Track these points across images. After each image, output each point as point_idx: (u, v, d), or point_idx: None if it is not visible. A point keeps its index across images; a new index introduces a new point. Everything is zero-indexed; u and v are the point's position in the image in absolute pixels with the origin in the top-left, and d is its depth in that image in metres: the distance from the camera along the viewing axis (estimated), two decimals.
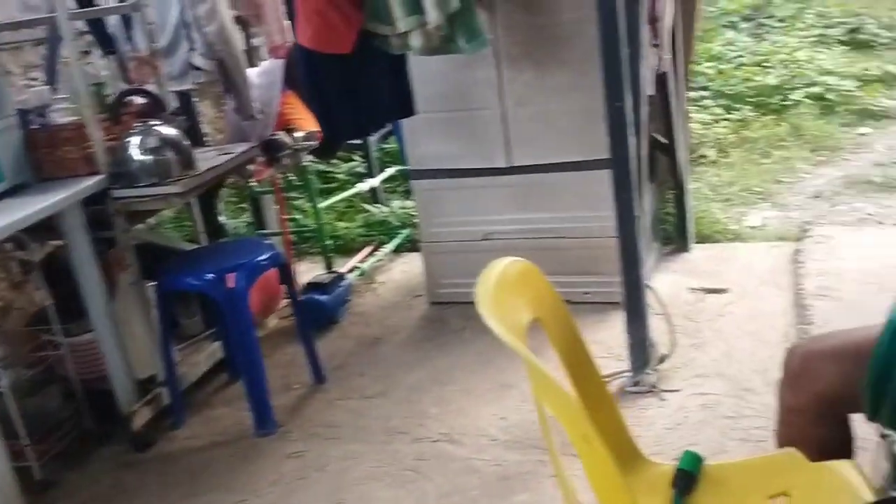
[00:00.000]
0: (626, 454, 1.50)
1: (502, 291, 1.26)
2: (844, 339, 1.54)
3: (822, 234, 3.70)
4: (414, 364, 3.14)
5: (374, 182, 4.46)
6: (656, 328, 2.93)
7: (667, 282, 3.57)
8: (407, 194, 4.47)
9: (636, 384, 2.78)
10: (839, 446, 1.55)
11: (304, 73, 2.91)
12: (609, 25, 2.42)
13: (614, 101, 2.49)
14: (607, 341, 3.11)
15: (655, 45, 3.09)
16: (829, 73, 6.03)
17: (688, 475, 1.47)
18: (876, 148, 5.00)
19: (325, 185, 4.86)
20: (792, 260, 3.56)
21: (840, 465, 1.44)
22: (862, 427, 1.52)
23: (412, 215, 4.19)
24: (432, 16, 2.54)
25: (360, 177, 4.72)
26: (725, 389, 2.71)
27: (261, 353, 2.87)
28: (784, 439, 1.60)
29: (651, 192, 3.65)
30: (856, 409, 1.49)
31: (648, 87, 3.08)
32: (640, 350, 2.79)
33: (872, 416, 1.29)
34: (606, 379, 2.82)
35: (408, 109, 3.14)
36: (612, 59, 2.46)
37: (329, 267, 3.85)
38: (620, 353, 2.89)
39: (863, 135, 5.24)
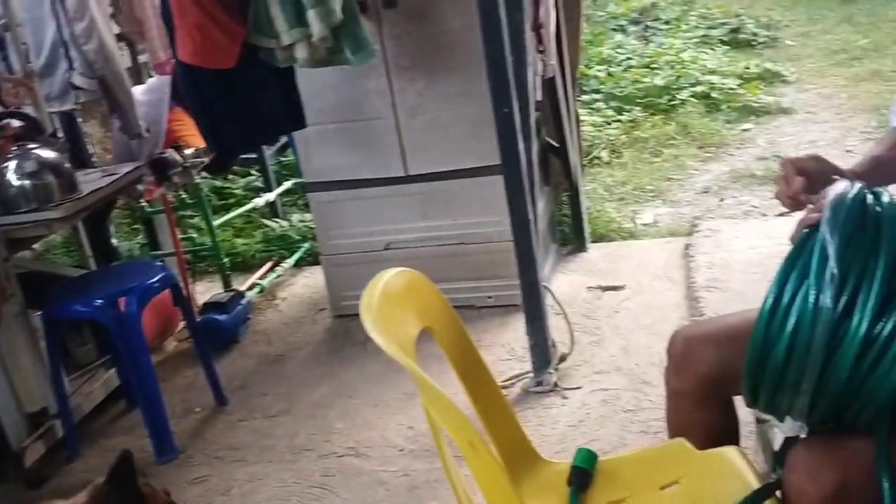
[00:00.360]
0: (521, 456, 1.52)
1: (388, 303, 1.26)
2: (723, 323, 1.62)
3: (710, 228, 3.85)
4: (318, 379, 3.11)
5: (271, 196, 4.39)
6: (556, 328, 2.99)
7: (565, 282, 3.64)
8: (307, 207, 4.42)
9: (539, 384, 2.82)
10: (726, 429, 1.62)
11: (187, 88, 2.85)
12: (492, 33, 2.46)
13: (502, 108, 2.53)
14: (511, 343, 3.16)
15: (541, 52, 3.15)
16: (713, 72, 6.28)
17: (582, 472, 1.50)
18: (758, 143, 5.23)
19: (222, 202, 4.77)
20: (683, 254, 3.68)
21: (726, 452, 1.49)
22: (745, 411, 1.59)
23: (312, 228, 4.14)
24: (316, 28, 2.52)
25: (258, 191, 4.63)
26: (624, 384, 2.78)
27: (157, 378, 2.78)
28: (673, 425, 1.66)
29: (546, 195, 3.73)
30: (738, 392, 1.56)
31: (536, 93, 3.14)
32: (541, 350, 2.84)
33: (751, 403, 1.34)
34: (509, 381, 2.87)
35: (298, 122, 3.11)
36: (496, 66, 2.49)
37: (227, 285, 3.76)
38: (523, 355, 2.94)
39: (746, 130, 5.47)
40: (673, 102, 5.89)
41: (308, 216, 4.35)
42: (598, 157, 5.25)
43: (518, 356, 3.04)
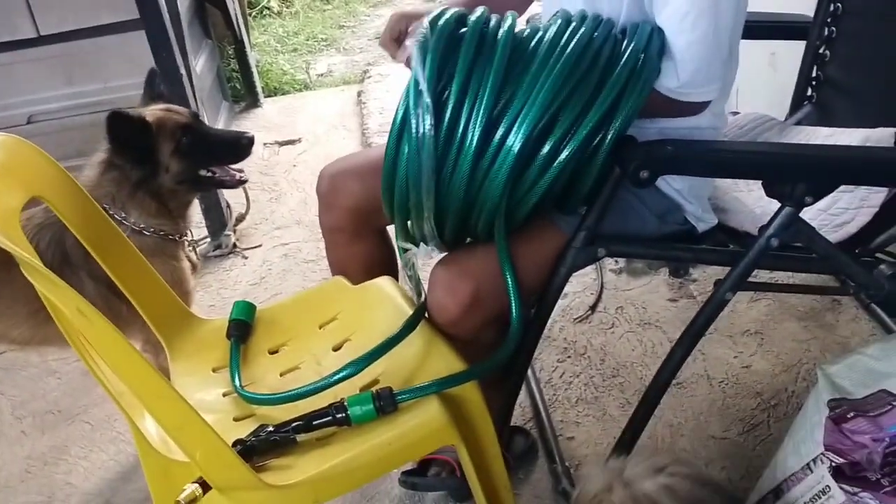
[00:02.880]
0: (175, 318, 1.45)
1: None
2: (365, 157, 1.67)
3: (380, 73, 3.88)
4: None
5: None
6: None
7: None
8: None
9: (217, 248, 2.74)
10: (382, 260, 1.68)
11: None
12: None
13: None
14: None
15: None
16: None
17: (241, 324, 1.48)
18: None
19: None
20: (357, 102, 3.69)
21: (379, 282, 1.54)
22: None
23: None
24: None
25: None
26: (304, 236, 2.79)
27: None
28: (333, 263, 1.70)
29: (209, 48, 3.50)
30: (384, 221, 1.61)
31: None
32: (215, 214, 2.74)
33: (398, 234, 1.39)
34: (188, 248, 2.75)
35: None
36: None
37: None
38: (199, 221, 2.82)
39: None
40: None
41: None
42: (267, 8, 5.03)
43: (195, 223, 2.91)
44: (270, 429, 1.18)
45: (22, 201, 1.17)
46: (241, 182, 1.95)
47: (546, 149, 1.21)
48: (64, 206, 1.26)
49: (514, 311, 1.30)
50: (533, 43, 1.25)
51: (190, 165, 1.79)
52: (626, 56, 1.23)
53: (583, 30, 1.24)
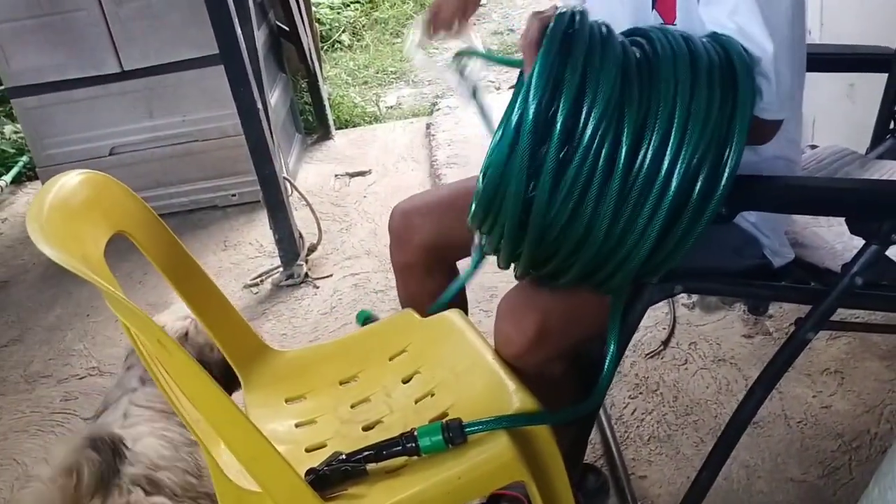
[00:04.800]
0: (248, 349, 1.48)
1: (66, 210, 1.14)
2: (437, 194, 1.72)
3: (448, 106, 3.91)
4: (51, 301, 2.87)
5: None
6: (305, 219, 2.95)
7: (313, 171, 3.59)
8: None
9: (289, 277, 2.79)
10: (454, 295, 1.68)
11: None
12: None
13: None
14: (259, 240, 3.09)
15: None
16: None
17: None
18: (493, 18, 5.33)
19: None
20: (426, 134, 3.73)
21: (449, 314, 1.54)
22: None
23: None
24: None
25: None
26: (374, 266, 2.82)
27: None
28: (405, 300, 1.69)
29: (283, 82, 3.59)
30: (456, 256, 1.63)
31: None
32: (288, 244, 2.79)
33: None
34: (259, 279, 2.81)
35: None
36: None
37: None
38: (273, 251, 2.88)
39: (481, 6, 5.54)
40: None
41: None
42: (339, 42, 5.13)
43: (268, 252, 2.98)
44: (343, 457, 1.19)
45: (107, 236, 1.21)
46: None
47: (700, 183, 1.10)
48: (146, 240, 1.30)
49: (605, 369, 1.28)
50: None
51: None
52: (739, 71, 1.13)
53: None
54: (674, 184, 1.08)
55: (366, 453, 1.19)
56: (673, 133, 1.08)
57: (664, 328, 2.22)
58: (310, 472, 1.16)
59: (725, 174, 1.10)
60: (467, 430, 1.19)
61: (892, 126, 1.76)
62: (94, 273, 1.02)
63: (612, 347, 1.29)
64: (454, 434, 1.17)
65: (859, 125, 1.88)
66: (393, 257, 1.66)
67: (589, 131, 1.08)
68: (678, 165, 1.08)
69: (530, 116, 1.08)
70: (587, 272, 1.20)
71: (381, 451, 1.19)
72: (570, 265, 1.20)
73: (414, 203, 1.64)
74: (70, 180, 1.19)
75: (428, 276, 1.64)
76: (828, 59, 1.80)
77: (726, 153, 1.10)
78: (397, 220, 1.63)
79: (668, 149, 1.08)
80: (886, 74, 1.76)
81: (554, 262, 1.21)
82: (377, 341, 1.54)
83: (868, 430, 1.82)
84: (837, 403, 1.90)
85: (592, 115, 1.07)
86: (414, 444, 1.17)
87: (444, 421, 1.20)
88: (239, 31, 2.46)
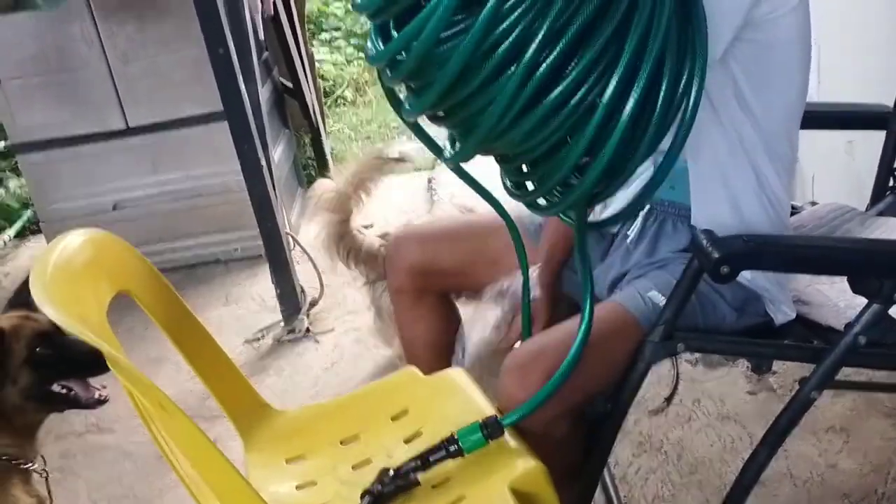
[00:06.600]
0: (249, 409, 1.47)
1: (69, 270, 1.15)
2: (430, 223, 1.89)
3: None
4: None
5: None
6: (308, 273, 2.95)
7: (315, 226, 3.59)
8: None
9: (291, 332, 2.78)
10: (445, 326, 1.73)
11: None
12: None
13: (216, 49, 2.40)
14: (261, 295, 3.08)
15: None
16: None
17: None
18: None
19: None
20: (427, 188, 3.76)
21: (451, 373, 1.54)
22: None
23: None
24: None
25: None
26: None
27: None
28: (401, 326, 1.76)
29: (286, 138, 3.63)
30: (444, 284, 1.69)
31: (259, 32, 3.02)
32: (290, 298, 2.80)
33: None
34: (260, 333, 2.80)
35: None
36: (206, 6, 2.35)
37: None
38: (274, 305, 2.87)
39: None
40: None
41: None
42: (342, 97, 5.20)
43: (269, 307, 2.97)
44: (392, 473, 1.21)
45: (110, 295, 1.21)
46: (101, 402, 1.68)
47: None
48: (148, 298, 1.31)
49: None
50: None
51: (42, 378, 1.58)
52: None
53: None
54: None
55: (412, 464, 1.22)
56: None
57: (667, 385, 2.20)
58: (365, 493, 1.19)
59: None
60: (504, 422, 1.23)
61: (891, 183, 1.77)
62: (96, 335, 1.02)
63: (587, 283, 1.22)
64: (492, 430, 1.22)
65: (859, 181, 1.90)
66: (387, 283, 1.76)
67: None
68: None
69: None
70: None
71: (426, 458, 1.22)
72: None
73: (407, 230, 1.76)
74: (73, 240, 1.19)
75: (417, 301, 1.69)
76: (826, 117, 1.83)
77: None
78: (391, 246, 1.74)
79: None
80: (884, 132, 1.78)
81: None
82: (379, 400, 1.53)
83: (875, 490, 1.79)
84: (843, 462, 1.88)
85: None
86: (456, 447, 1.21)
87: (480, 420, 1.23)
88: (243, 88, 2.50)
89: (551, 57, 0.93)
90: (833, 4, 2.20)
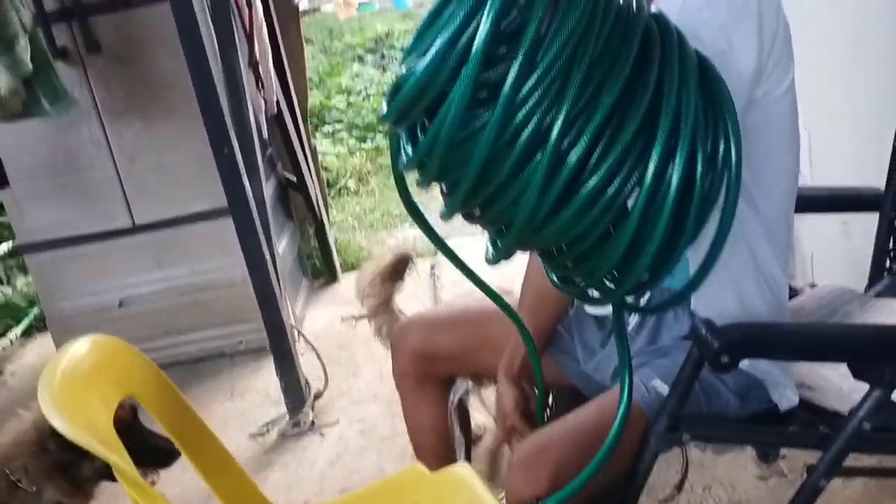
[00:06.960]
0: None
1: (77, 377, 1.16)
2: (435, 311, 1.96)
3: (452, 247, 3.97)
4: None
5: None
6: (312, 364, 2.95)
7: (320, 315, 3.62)
8: None
9: (295, 426, 2.76)
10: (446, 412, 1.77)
11: None
12: (201, 74, 2.39)
13: (221, 148, 2.46)
14: (266, 387, 3.08)
15: (261, 88, 3.11)
16: None
17: None
18: None
19: None
20: (430, 274, 3.78)
21: (457, 469, 1.53)
22: None
23: None
24: (3, 81, 2.32)
25: None
26: (381, 411, 2.80)
27: None
28: (406, 412, 1.79)
29: (290, 230, 3.68)
30: (444, 370, 1.73)
31: (262, 130, 3.10)
32: (295, 391, 2.78)
33: None
34: (264, 427, 2.78)
35: None
36: (210, 107, 2.43)
37: None
38: (279, 398, 2.86)
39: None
40: None
41: None
42: (345, 187, 5.28)
43: (274, 400, 2.96)
44: None
45: (116, 400, 1.22)
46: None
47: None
48: (153, 399, 1.31)
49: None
50: None
51: None
52: None
53: None
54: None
55: None
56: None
57: (676, 471, 2.18)
58: None
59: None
60: None
61: (887, 265, 1.79)
62: (104, 442, 1.03)
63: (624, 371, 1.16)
64: None
65: (856, 261, 1.92)
66: (393, 368, 1.77)
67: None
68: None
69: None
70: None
71: None
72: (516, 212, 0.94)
73: (413, 317, 1.81)
74: (80, 347, 1.21)
75: (421, 386, 1.73)
76: (819, 200, 1.86)
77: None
78: (396, 332, 1.78)
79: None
80: (878, 213, 1.81)
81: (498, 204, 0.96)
82: (385, 498, 1.52)
83: None
84: None
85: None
86: None
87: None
88: (247, 185, 2.55)
89: (581, 141, 0.88)
90: (822, 93, 2.26)
